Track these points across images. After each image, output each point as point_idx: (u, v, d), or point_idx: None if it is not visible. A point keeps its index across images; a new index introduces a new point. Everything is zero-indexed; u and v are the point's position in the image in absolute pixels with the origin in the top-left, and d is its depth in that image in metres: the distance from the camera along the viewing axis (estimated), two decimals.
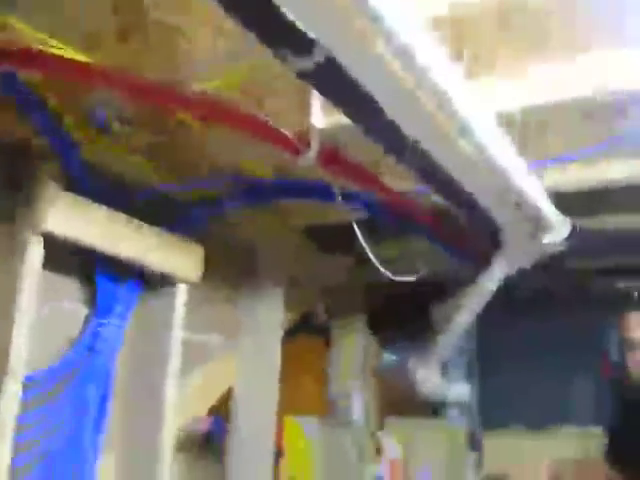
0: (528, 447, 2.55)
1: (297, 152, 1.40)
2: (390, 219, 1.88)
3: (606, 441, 2.18)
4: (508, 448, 2.59)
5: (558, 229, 1.80)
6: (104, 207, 1.53)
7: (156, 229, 1.65)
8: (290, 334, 2.35)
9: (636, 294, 2.43)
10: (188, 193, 1.72)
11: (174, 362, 1.68)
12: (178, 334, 1.71)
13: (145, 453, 1.64)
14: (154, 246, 1.64)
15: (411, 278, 1.96)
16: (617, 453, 2.13)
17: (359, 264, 1.94)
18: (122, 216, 1.57)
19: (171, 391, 1.66)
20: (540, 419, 2.60)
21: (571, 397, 2.63)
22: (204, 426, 2.16)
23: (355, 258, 1.95)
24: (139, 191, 1.67)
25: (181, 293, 1.71)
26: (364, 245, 1.70)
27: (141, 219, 1.62)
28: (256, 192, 1.72)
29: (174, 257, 1.67)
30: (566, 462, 2.18)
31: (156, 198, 1.69)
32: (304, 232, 2.24)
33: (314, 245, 2.33)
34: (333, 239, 2.22)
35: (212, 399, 1.97)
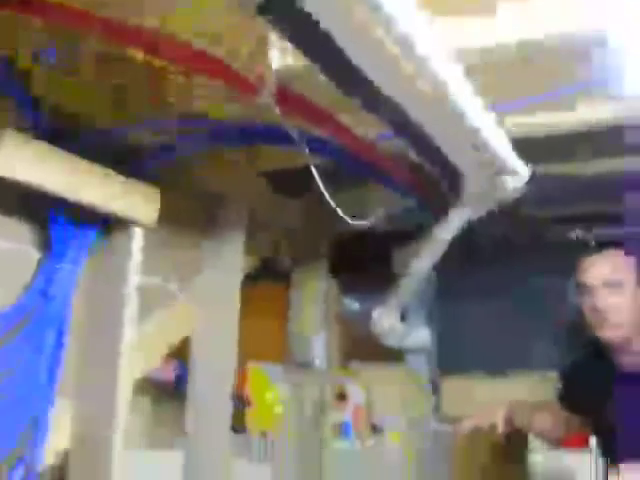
0: (485, 391, 2.60)
1: (254, 92, 1.37)
2: (350, 164, 1.87)
3: (560, 384, 2.22)
4: (466, 392, 2.64)
5: (517, 175, 1.80)
6: (57, 149, 1.49)
7: (111, 172, 1.62)
8: (251, 279, 2.34)
9: (593, 242, 2.46)
10: (144, 135, 1.68)
11: (130, 307, 1.66)
12: (134, 278, 1.68)
13: (101, 399, 1.63)
14: (109, 189, 1.61)
15: (369, 223, 1.95)
16: (569, 396, 2.17)
17: (321, 210, 1.92)
18: (76, 158, 1.53)
19: (128, 336, 1.64)
20: (498, 364, 2.64)
21: (529, 342, 2.68)
22: (171, 372, 2.15)
23: (317, 204, 1.93)
24: (94, 133, 1.63)
25: (137, 237, 1.68)
26: (323, 189, 1.68)
27: (96, 162, 1.58)
28: (215, 135, 1.69)
29: (129, 200, 1.64)
30: (522, 403, 2.22)
31: (111, 141, 1.66)
32: (265, 177, 2.22)
33: (276, 190, 2.32)
34: (294, 184, 2.21)
35: (170, 344, 1.96)
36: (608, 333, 1.91)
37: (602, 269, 1.92)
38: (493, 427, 2.13)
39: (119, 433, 1.62)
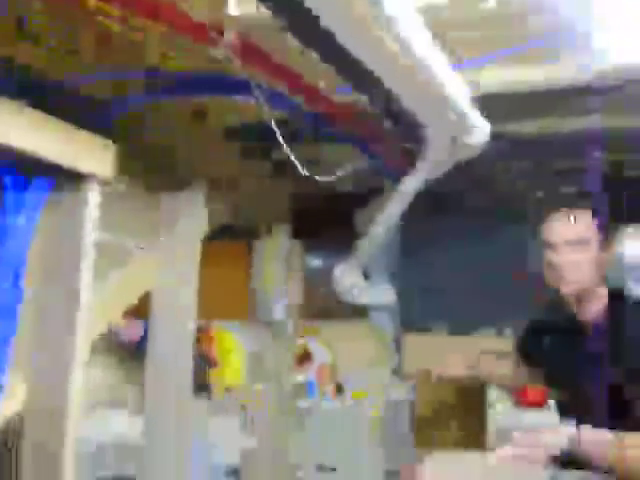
0: (447, 347, 2.62)
1: (210, 43, 1.33)
2: (311, 120, 1.85)
3: (520, 336, 2.25)
4: (428, 348, 2.66)
5: (479, 131, 1.80)
6: (10, 101, 1.44)
7: (66, 125, 1.57)
8: (213, 238, 2.32)
9: (557, 199, 2.47)
10: (100, 87, 1.64)
11: (87, 264, 1.63)
12: (91, 235, 1.65)
13: (59, 357, 1.60)
14: (64, 142, 1.56)
15: (330, 178, 1.94)
16: (529, 348, 2.20)
17: (284, 168, 1.90)
18: (29, 110, 1.48)
19: (85, 294, 1.61)
20: (460, 320, 2.66)
21: (492, 299, 2.70)
22: (137, 332, 2.13)
23: (279, 162, 1.91)
24: (47, 84, 1.58)
25: (94, 192, 1.64)
26: (283, 144, 1.66)
27: (50, 114, 1.53)
28: (172, 87, 1.65)
29: (85, 154, 1.59)
30: (483, 354, 2.26)
31: (66, 92, 1.61)
32: (226, 135, 2.19)
33: (237, 149, 2.28)
34: (256, 143, 2.18)
35: (129, 302, 1.93)
36: (564, 289, 1.94)
37: (565, 227, 1.94)
38: (455, 369, 2.15)
39: (76, 392, 1.60)
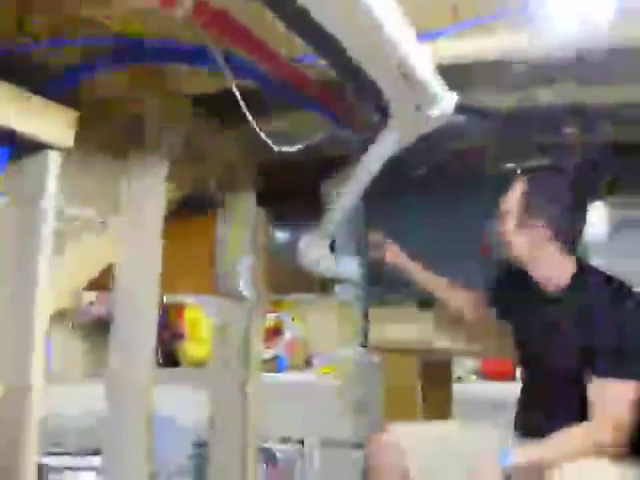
0: (414, 319, 2.63)
1: (172, 6, 1.30)
2: (277, 89, 1.82)
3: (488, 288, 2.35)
4: (393, 321, 2.67)
5: (444, 102, 1.79)
6: None
7: (25, 93, 1.53)
8: (178, 209, 2.30)
9: (519, 171, 2.48)
10: (59, 53, 1.60)
11: (46, 237, 1.60)
12: (51, 206, 1.62)
13: (18, 328, 1.58)
14: (23, 110, 1.53)
15: (295, 148, 1.92)
16: (495, 300, 2.31)
17: (249, 138, 1.88)
18: None
19: (44, 265, 1.58)
20: (426, 292, 2.67)
21: (458, 273, 2.70)
22: (104, 306, 2.11)
23: (245, 131, 1.89)
24: (2, 49, 1.54)
25: (53, 161, 1.61)
26: (246, 113, 1.64)
27: (5, 80, 1.50)
28: (133, 53, 1.62)
29: (44, 122, 1.56)
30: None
31: (24, 58, 1.57)
32: (193, 104, 2.16)
33: (204, 118, 2.26)
34: (223, 112, 2.15)
35: (91, 275, 1.90)
36: (508, 255, 2.07)
37: (506, 198, 2.04)
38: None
39: (38, 366, 1.58)
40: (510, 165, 2.51)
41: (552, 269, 2.01)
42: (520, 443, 2.05)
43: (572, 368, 1.91)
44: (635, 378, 1.87)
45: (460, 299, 2.43)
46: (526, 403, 2.14)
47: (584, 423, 1.85)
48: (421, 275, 2.49)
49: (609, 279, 2.03)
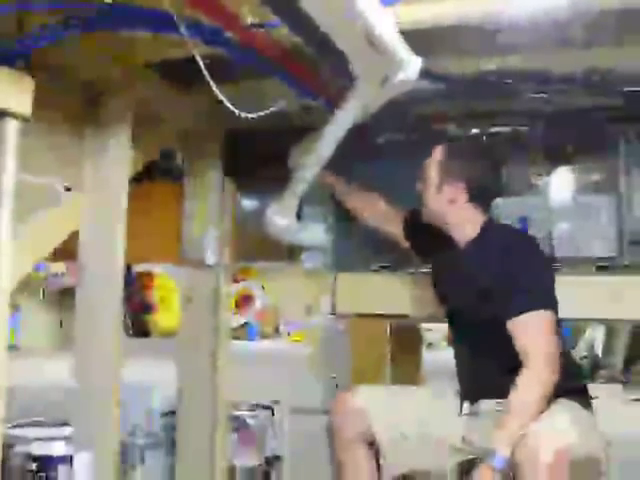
0: (380, 287, 2.65)
1: None
2: (241, 56, 1.80)
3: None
4: (361, 287, 2.68)
5: (409, 68, 1.78)
6: None
7: None
8: (143, 178, 2.27)
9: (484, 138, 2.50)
10: (12, 18, 1.56)
11: (7, 205, 1.58)
12: (11, 175, 1.59)
13: None
14: None
15: (261, 115, 1.91)
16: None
17: (215, 105, 1.86)
18: None
19: (5, 235, 1.56)
20: (392, 259, 2.68)
21: None
22: (74, 276, 2.08)
23: (211, 98, 1.87)
24: None
25: (11, 130, 1.58)
26: (210, 81, 1.62)
27: None
28: (93, 20, 1.58)
29: (0, 89, 1.52)
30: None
31: None
32: (156, 69, 2.12)
33: (168, 84, 2.22)
34: (188, 78, 2.12)
35: (54, 244, 1.88)
36: (427, 216, 2.21)
37: (426, 164, 2.18)
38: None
39: (2, 337, 1.56)
40: (475, 130, 2.51)
41: (464, 227, 2.13)
42: (474, 409, 2.10)
43: (494, 316, 1.98)
44: (546, 307, 1.97)
45: (394, 226, 2.47)
46: (463, 369, 2.20)
47: (522, 379, 1.90)
48: (355, 197, 2.56)
49: (513, 228, 2.26)
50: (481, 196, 2.13)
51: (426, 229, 2.24)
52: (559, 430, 1.80)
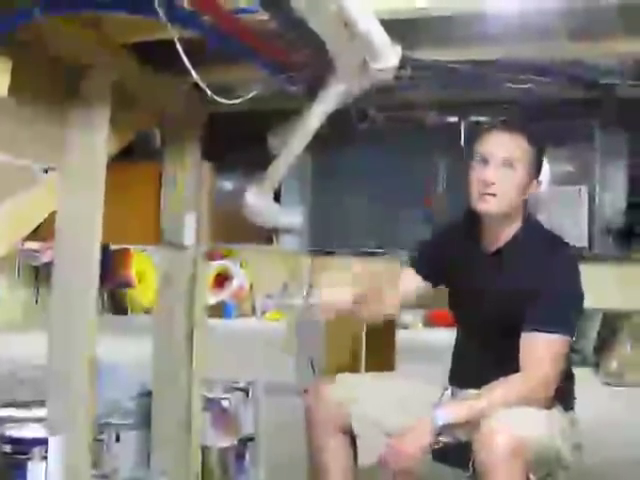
0: (354, 269, 2.67)
1: None
2: (218, 40, 1.79)
3: (417, 251, 2.29)
4: (336, 270, 2.70)
5: (388, 56, 1.79)
6: None
7: None
8: (122, 159, 2.27)
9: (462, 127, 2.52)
10: None
11: None
12: None
13: None
14: None
15: (234, 100, 1.91)
16: (428, 263, 2.23)
17: (195, 87, 1.86)
18: None
19: None
20: (370, 243, 2.70)
21: (400, 223, 2.75)
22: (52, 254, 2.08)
23: (192, 82, 1.87)
24: None
25: None
26: (187, 64, 1.62)
27: None
28: (67, 1, 1.58)
29: None
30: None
31: None
32: (135, 51, 2.11)
33: (148, 66, 2.21)
34: (168, 60, 2.11)
35: (32, 225, 1.88)
36: (485, 206, 1.96)
37: (501, 144, 1.96)
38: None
39: None
40: (453, 119, 2.53)
41: (510, 227, 2.01)
42: (456, 395, 2.11)
43: (507, 323, 1.95)
44: (565, 332, 1.92)
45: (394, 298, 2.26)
46: (461, 358, 2.19)
47: (514, 377, 1.90)
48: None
49: (545, 233, 2.07)
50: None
51: (445, 244, 2.16)
52: (518, 422, 1.79)
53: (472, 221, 2.06)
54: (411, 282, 2.21)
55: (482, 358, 2.05)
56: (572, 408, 2.09)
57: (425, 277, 2.20)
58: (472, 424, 1.84)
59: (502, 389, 1.88)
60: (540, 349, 1.89)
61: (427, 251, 2.24)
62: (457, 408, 1.91)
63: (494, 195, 1.94)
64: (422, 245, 2.27)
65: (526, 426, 1.80)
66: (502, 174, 1.94)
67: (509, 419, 1.79)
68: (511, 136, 1.97)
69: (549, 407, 1.92)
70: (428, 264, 2.21)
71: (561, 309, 1.92)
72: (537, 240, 2.02)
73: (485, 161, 1.95)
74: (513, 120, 2.18)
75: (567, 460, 1.95)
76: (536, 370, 1.88)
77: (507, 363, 1.92)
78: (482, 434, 1.79)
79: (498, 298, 1.99)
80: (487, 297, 2.03)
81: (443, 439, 2.00)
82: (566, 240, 2.06)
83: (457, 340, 2.22)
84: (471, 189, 1.98)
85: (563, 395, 2.02)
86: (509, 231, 2.02)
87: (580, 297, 1.97)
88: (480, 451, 1.78)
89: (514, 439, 1.74)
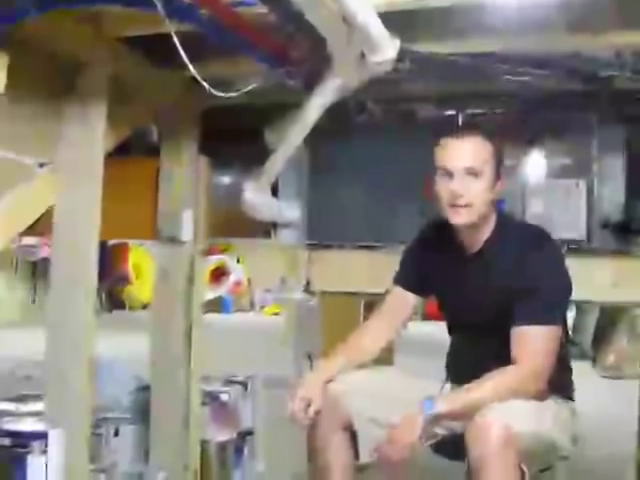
0: (354, 264, 2.67)
1: None
2: (216, 33, 1.79)
3: (400, 266, 2.24)
4: (334, 264, 2.70)
5: (386, 48, 1.79)
6: None
7: None
8: (119, 154, 2.26)
9: (460, 120, 2.51)
10: None
11: None
12: None
13: None
14: None
15: (231, 94, 1.90)
16: (413, 274, 2.19)
17: (192, 81, 1.86)
18: None
19: None
20: (367, 237, 2.70)
21: (398, 216, 2.74)
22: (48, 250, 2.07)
23: (188, 76, 1.86)
24: None
25: None
26: (184, 57, 1.61)
27: None
28: None
29: None
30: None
31: None
32: (133, 45, 2.10)
33: (145, 60, 2.20)
34: (165, 54, 2.11)
35: (29, 220, 1.88)
36: (457, 218, 1.94)
37: (464, 154, 1.92)
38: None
39: None
40: (451, 111, 2.53)
41: (486, 228, 1.99)
42: (452, 390, 2.11)
43: (498, 321, 1.94)
44: (554, 323, 1.92)
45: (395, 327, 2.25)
46: (456, 357, 2.19)
47: (505, 369, 1.89)
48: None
49: (527, 228, 2.07)
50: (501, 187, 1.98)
51: (426, 251, 2.13)
52: (509, 415, 1.79)
53: (445, 229, 2.03)
54: (404, 308, 2.20)
55: (476, 356, 2.05)
56: (571, 398, 2.09)
57: (414, 291, 2.18)
58: (464, 416, 1.85)
59: (493, 381, 1.88)
60: (530, 342, 1.88)
61: (409, 266, 2.20)
62: (448, 399, 1.92)
63: (465, 206, 1.92)
64: (403, 262, 2.23)
65: (517, 418, 1.79)
66: (468, 184, 1.91)
67: (500, 412, 1.79)
68: (468, 143, 1.93)
69: (543, 398, 1.92)
70: (414, 278, 2.18)
71: (549, 301, 1.91)
72: (516, 234, 2.01)
73: (449, 174, 1.92)
74: (465, 125, 2.14)
75: (565, 450, 1.96)
76: (527, 362, 1.88)
77: (502, 359, 1.92)
78: (473, 427, 1.79)
79: (486, 297, 1.99)
80: (476, 297, 2.01)
81: (440, 432, 2.00)
82: (561, 233, 2.05)
83: (451, 340, 2.22)
84: (440, 201, 1.95)
85: (561, 385, 2.02)
86: (486, 230, 2.00)
87: (568, 286, 1.96)
88: (471, 444, 1.78)
89: (505, 432, 1.75)
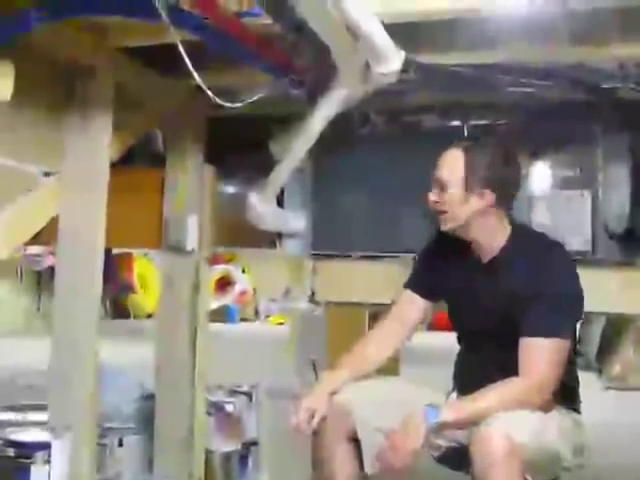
0: (359, 274, 2.67)
1: None
2: (221, 44, 1.80)
3: (413, 270, 2.24)
4: (339, 274, 2.70)
5: (391, 59, 1.79)
6: None
7: None
8: (125, 162, 2.27)
9: (465, 130, 2.51)
10: None
11: None
12: None
13: None
14: None
15: (241, 104, 1.91)
16: (424, 279, 2.19)
17: (197, 90, 1.87)
18: None
19: None
20: (372, 247, 2.70)
21: (402, 227, 2.74)
22: (52, 258, 2.08)
23: (193, 85, 1.87)
24: None
25: None
26: (190, 68, 1.62)
27: None
28: (72, 5, 1.58)
29: None
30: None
31: None
32: (137, 54, 2.11)
33: (149, 69, 2.22)
34: (170, 63, 2.12)
35: (34, 229, 1.88)
36: (441, 225, 2.01)
37: (443, 166, 1.98)
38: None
39: None
40: (455, 122, 2.53)
41: (491, 236, 2.00)
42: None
43: (507, 329, 1.94)
44: (562, 335, 1.91)
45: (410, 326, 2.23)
46: (464, 367, 2.17)
47: (510, 380, 1.88)
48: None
49: (537, 236, 2.08)
50: (506, 196, 1.99)
51: (439, 258, 2.13)
52: (513, 426, 1.78)
53: (455, 236, 2.06)
54: (414, 312, 2.19)
55: (484, 366, 2.04)
56: (577, 410, 2.08)
57: (425, 295, 2.18)
58: (468, 425, 1.84)
59: (498, 391, 1.88)
60: (537, 354, 1.88)
61: (422, 268, 2.21)
62: (452, 408, 1.91)
63: (442, 213, 1.99)
64: (416, 266, 2.25)
65: (522, 429, 1.79)
66: (438, 194, 1.99)
67: (505, 423, 1.79)
68: (445, 155, 1.99)
69: (548, 410, 1.92)
70: (426, 282, 2.18)
71: (558, 313, 1.92)
72: (531, 245, 2.02)
73: (432, 183, 2.01)
74: (458, 138, 2.18)
75: (568, 461, 1.95)
76: (533, 374, 1.88)
77: (509, 370, 1.91)
78: (477, 438, 1.79)
79: (497, 304, 1.99)
80: (487, 304, 2.02)
81: (443, 444, 1.98)
82: (567, 243, 2.05)
83: (460, 350, 2.21)
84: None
85: (567, 397, 2.02)
86: (500, 239, 2.01)
87: (579, 297, 1.97)
88: (476, 455, 1.78)
89: (509, 442, 1.74)
